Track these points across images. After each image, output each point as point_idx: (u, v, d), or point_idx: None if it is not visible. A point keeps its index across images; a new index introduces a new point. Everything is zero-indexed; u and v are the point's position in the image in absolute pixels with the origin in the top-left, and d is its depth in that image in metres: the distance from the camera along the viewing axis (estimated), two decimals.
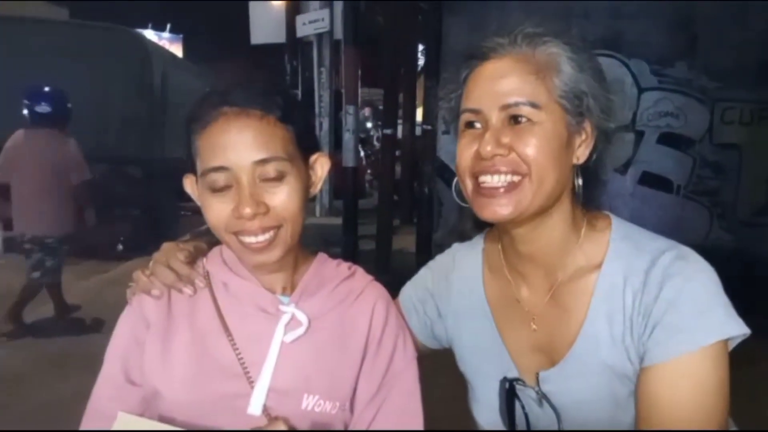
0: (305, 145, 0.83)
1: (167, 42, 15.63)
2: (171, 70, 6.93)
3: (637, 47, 5.08)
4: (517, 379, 0.85)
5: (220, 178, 0.77)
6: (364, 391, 0.84)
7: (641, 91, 5.17)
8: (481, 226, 0.95)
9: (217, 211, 0.79)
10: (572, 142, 0.80)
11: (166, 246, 0.90)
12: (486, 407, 0.89)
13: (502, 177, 0.78)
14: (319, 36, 6.94)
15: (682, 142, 5.07)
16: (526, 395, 0.85)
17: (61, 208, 3.77)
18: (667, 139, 5.08)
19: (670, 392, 0.73)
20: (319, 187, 0.86)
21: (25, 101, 3.74)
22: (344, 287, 0.88)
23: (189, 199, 0.86)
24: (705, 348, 0.72)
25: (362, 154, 8.85)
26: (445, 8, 5.13)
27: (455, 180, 0.85)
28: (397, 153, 5.89)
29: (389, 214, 5.30)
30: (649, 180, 5.06)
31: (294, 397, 0.80)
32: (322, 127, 6.86)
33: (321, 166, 0.86)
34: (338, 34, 6.67)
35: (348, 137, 5.42)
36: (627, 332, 0.77)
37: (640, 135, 5.01)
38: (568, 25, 5.05)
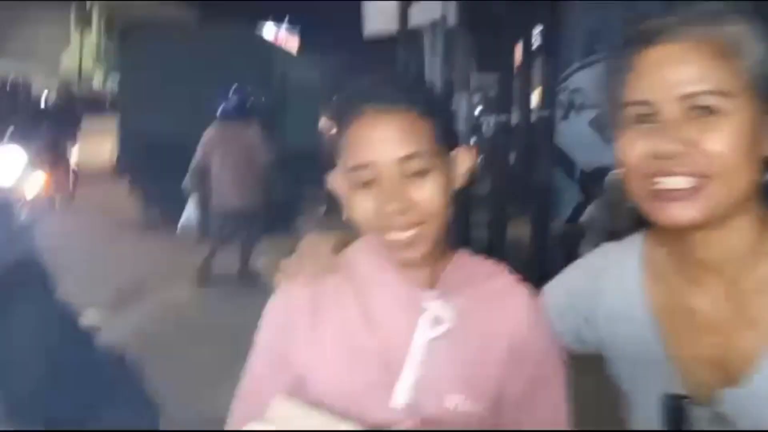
0: (447, 140, 0.82)
1: (286, 32, 16.33)
2: (288, 68, 7.41)
3: None
4: (684, 397, 0.78)
5: (364, 175, 0.78)
6: (511, 394, 0.84)
7: None
8: (639, 225, 0.87)
9: (362, 208, 0.80)
10: (764, 132, 0.71)
11: (311, 237, 0.93)
12: (645, 424, 0.83)
13: (686, 178, 0.69)
14: (432, 25, 6.96)
15: None
16: (697, 415, 0.77)
17: (255, 183, 4.69)
18: None
19: None
20: (462, 181, 0.85)
21: (220, 99, 4.75)
22: (489, 286, 0.87)
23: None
24: None
25: (472, 141, 8.76)
26: None
27: (610, 176, 0.80)
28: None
29: (503, 202, 5.20)
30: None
31: (437, 394, 0.81)
32: None
33: (464, 160, 0.85)
34: (451, 21, 6.65)
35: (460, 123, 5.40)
36: None
37: None
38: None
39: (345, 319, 0.85)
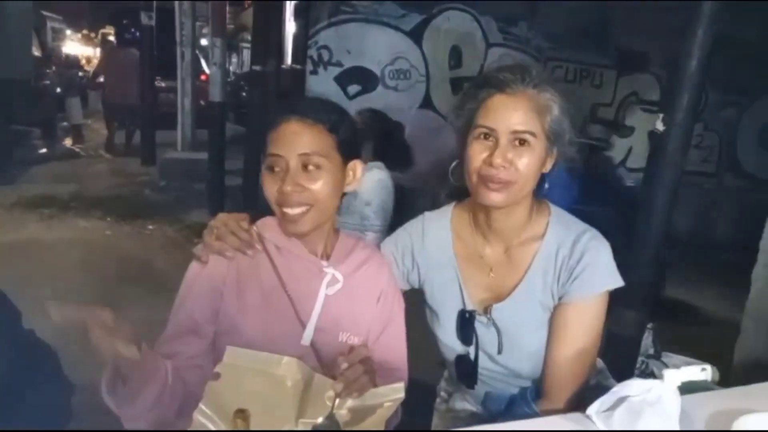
0: (346, 152, 1.11)
1: None
2: None
3: (487, 5, 5.42)
4: (472, 311, 1.21)
5: (276, 162, 1.05)
6: (375, 329, 1.17)
7: (488, 46, 5.73)
8: (453, 198, 1.29)
9: (269, 186, 1.06)
10: (545, 159, 1.14)
11: (224, 216, 1.14)
12: (448, 330, 1.24)
13: (505, 179, 1.10)
14: None
15: None
16: (479, 321, 1.21)
17: None
18: None
19: (577, 318, 1.15)
20: (353, 186, 1.14)
21: None
22: (360, 254, 1.19)
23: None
24: (601, 293, 1.15)
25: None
26: None
27: (453, 164, 1.19)
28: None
29: (258, 149, 5.41)
30: None
31: (332, 333, 1.11)
32: (184, 57, 6.65)
33: (355, 170, 1.13)
34: None
35: (215, 71, 5.40)
36: (555, 281, 1.16)
37: None
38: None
39: (262, 282, 1.09)
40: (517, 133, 1.09)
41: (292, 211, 1.06)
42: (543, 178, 1.17)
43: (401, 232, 1.32)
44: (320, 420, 0.92)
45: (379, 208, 2.64)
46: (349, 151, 1.12)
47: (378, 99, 5.19)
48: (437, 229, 1.27)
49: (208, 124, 5.70)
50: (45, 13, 11.50)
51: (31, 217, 4.91)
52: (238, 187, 5.27)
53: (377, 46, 5.41)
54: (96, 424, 1.10)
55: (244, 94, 9.08)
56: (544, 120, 1.11)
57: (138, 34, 7.59)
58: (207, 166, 5.44)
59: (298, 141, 1.04)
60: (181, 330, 1.06)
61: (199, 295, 1.08)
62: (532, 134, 1.10)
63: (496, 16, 5.76)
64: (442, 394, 1.43)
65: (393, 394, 0.96)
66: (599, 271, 1.15)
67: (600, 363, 1.33)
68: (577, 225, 1.20)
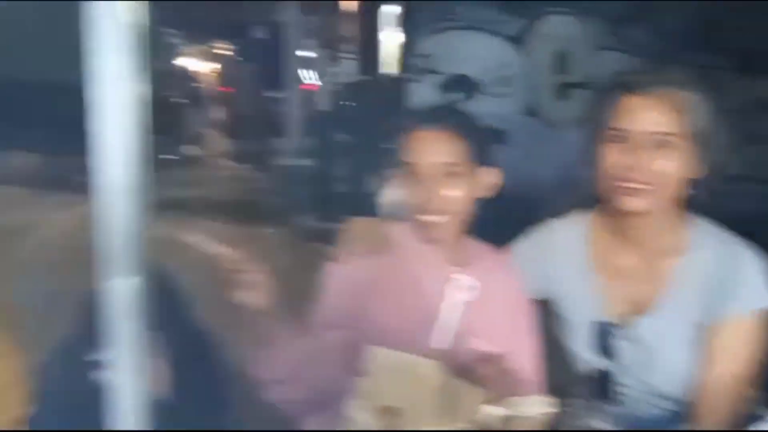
0: (479, 159, 1.15)
1: None
2: None
3: (595, 7, 5.36)
4: (610, 323, 1.18)
5: (412, 170, 1.11)
6: (506, 338, 1.18)
7: (597, 49, 5.51)
8: (580, 205, 1.28)
9: (409, 195, 1.12)
10: (692, 161, 1.10)
11: (358, 220, 1.21)
12: (582, 343, 1.22)
13: (641, 184, 1.08)
14: None
15: None
16: (618, 335, 1.17)
17: None
18: None
19: (733, 338, 1.09)
20: (485, 192, 1.17)
21: None
22: (490, 262, 1.23)
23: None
24: (758, 311, 1.10)
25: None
26: None
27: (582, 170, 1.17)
28: None
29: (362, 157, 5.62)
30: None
31: (464, 339, 1.15)
32: (293, 68, 6.95)
33: (488, 176, 1.17)
34: None
35: (321, 81, 5.67)
36: (706, 297, 1.11)
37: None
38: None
39: (394, 286, 1.15)
40: (654, 134, 1.05)
41: (430, 219, 1.11)
42: (694, 184, 1.11)
43: (527, 241, 1.31)
44: (466, 425, 0.94)
45: None
46: (481, 157, 1.14)
47: (479, 107, 5.18)
48: (569, 237, 1.24)
49: (316, 132, 5.95)
50: (168, 29, 12.57)
51: (156, 218, 5.39)
52: (343, 194, 5.45)
53: (479, 53, 5.38)
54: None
55: (346, 103, 9.37)
56: (684, 118, 1.05)
57: (253, 50, 8.08)
58: (315, 172, 5.69)
59: (435, 149, 1.09)
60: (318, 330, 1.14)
61: (334, 296, 1.15)
62: (672, 134, 1.05)
63: (606, 18, 5.54)
64: (572, 411, 1.41)
65: (540, 406, 0.98)
66: (756, 287, 1.08)
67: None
68: (728, 237, 1.14)
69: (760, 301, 1.09)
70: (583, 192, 1.21)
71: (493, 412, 0.96)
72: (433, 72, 5.47)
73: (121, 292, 0.78)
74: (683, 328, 1.14)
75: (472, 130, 1.14)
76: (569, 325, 1.23)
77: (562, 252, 1.24)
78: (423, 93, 5.36)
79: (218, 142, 9.39)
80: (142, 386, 0.83)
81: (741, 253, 1.12)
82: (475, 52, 5.27)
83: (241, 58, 9.29)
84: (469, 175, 1.12)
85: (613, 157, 1.09)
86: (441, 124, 1.11)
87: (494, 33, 5.27)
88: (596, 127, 1.13)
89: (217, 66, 10.57)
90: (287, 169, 6.74)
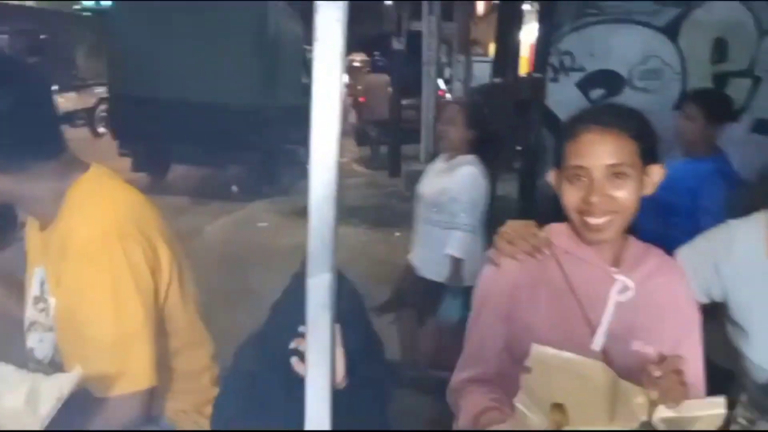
0: (646, 157, 1.11)
1: None
2: (282, 20, 7.43)
3: None
4: None
5: (580, 172, 1.08)
6: (669, 341, 1.12)
7: (763, 34, 5.00)
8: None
9: (572, 195, 1.10)
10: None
11: (514, 222, 1.21)
12: (761, 350, 1.16)
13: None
14: None
15: None
16: None
17: None
18: None
19: None
20: (650, 189, 1.13)
21: None
22: (653, 263, 1.17)
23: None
24: None
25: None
26: None
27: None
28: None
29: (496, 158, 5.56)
30: (764, 128, 4.91)
31: (624, 341, 1.10)
32: (429, 75, 7.10)
33: (656, 174, 1.13)
34: None
35: (458, 86, 5.70)
36: None
37: (756, 81, 4.74)
38: None
39: (553, 286, 1.13)
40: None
41: (597, 221, 1.08)
42: None
43: (701, 241, 1.24)
44: (636, 426, 0.91)
45: (469, 205, 2.48)
46: (649, 156, 1.10)
47: (626, 102, 4.90)
48: (748, 237, 1.17)
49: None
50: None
51: (303, 223, 5.77)
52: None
53: (625, 46, 5.10)
54: None
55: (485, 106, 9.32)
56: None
57: (387, 59, 8.34)
58: None
59: (603, 151, 1.05)
60: (493, 337, 1.15)
61: (494, 295, 1.16)
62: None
63: None
64: (741, 420, 1.29)
65: (713, 408, 0.91)
66: None
67: None
68: None
69: None
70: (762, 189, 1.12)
71: (664, 414, 0.92)
72: (574, 69, 5.29)
73: (321, 287, 0.86)
74: None
75: (640, 129, 1.10)
76: (746, 332, 1.16)
77: (738, 254, 1.17)
78: (563, 92, 5.20)
79: (355, 150, 9.79)
80: (330, 378, 0.90)
81: None
82: (619, 45, 5.01)
83: (380, 68, 9.61)
84: (636, 174, 1.08)
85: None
86: (609, 124, 1.07)
87: (643, 24, 5.01)
88: None
89: (357, 77, 11.05)
90: (419, 174, 6.84)
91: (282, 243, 5.16)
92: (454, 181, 2.59)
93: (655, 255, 1.19)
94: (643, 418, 0.92)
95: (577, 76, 5.26)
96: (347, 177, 8.38)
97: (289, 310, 1.03)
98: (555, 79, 5.29)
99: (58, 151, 1.20)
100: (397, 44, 7.16)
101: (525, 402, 0.94)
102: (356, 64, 12.77)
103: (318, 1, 0.79)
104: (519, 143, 5.16)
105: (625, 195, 1.07)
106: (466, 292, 2.58)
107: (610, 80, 5.13)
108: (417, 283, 2.77)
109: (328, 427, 0.89)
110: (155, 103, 6.62)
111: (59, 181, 1.18)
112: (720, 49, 4.99)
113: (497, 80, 5.38)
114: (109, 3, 7.64)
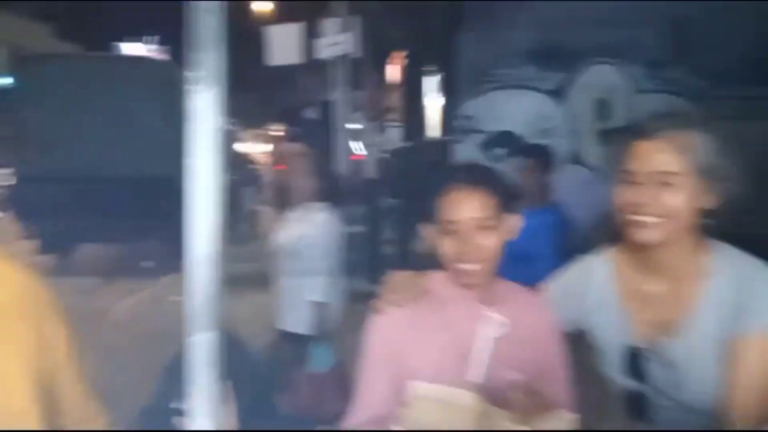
0: (505, 209, 1.24)
1: (156, 51, 14.96)
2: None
3: (634, 54, 5.29)
4: (641, 347, 1.25)
5: (451, 226, 1.20)
6: (539, 369, 1.24)
7: (637, 92, 5.52)
8: (613, 241, 1.32)
9: (448, 246, 1.21)
10: (700, 194, 1.16)
11: (398, 274, 1.32)
12: (615, 366, 1.28)
13: (651, 218, 1.15)
14: (336, 58, 7.28)
15: None
16: (649, 358, 1.24)
17: None
18: None
19: (754, 354, 1.13)
20: (512, 236, 1.25)
21: None
22: (521, 300, 1.31)
23: None
24: None
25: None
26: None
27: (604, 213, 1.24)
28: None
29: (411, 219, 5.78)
30: None
31: (499, 372, 1.20)
32: (342, 142, 7.30)
33: (514, 223, 1.26)
34: (357, 53, 7.00)
35: (370, 150, 5.93)
36: (729, 317, 1.16)
37: None
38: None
39: (435, 328, 1.23)
40: (659, 174, 1.15)
41: (470, 267, 1.20)
42: (708, 214, 1.17)
43: (565, 276, 1.38)
44: None
45: (323, 251, 2.58)
46: (507, 207, 1.24)
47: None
48: (600, 270, 1.32)
49: (365, 199, 6.18)
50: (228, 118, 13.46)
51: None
52: (391, 255, 5.56)
53: (519, 109, 5.54)
54: None
55: (393, 169, 9.70)
56: (688, 157, 1.15)
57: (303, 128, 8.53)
58: (366, 237, 5.87)
59: (471, 206, 1.19)
60: (381, 381, 1.24)
61: (382, 342, 1.26)
62: (676, 173, 1.15)
63: (645, 63, 5.61)
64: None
65: (559, 421, 1.05)
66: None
67: None
68: (747, 259, 1.19)
69: None
70: (611, 229, 1.27)
71: (516, 428, 1.04)
72: (476, 131, 5.66)
73: (203, 345, 0.89)
74: (709, 347, 1.19)
75: (498, 185, 1.24)
76: (603, 353, 1.30)
77: (593, 285, 1.32)
78: (466, 152, 5.54)
79: (273, 218, 9.80)
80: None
81: (760, 274, 1.16)
82: (514, 108, 5.45)
83: (294, 137, 9.83)
84: (499, 224, 1.22)
85: (627, 196, 1.18)
86: (473, 183, 1.21)
87: (533, 89, 5.49)
88: (616, 170, 1.21)
89: (271, 146, 11.18)
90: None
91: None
92: (310, 228, 2.64)
93: (522, 292, 1.33)
94: None
95: (478, 138, 5.67)
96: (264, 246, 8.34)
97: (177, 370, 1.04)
98: (459, 141, 5.66)
99: None
100: (311, 114, 7.43)
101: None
102: (274, 133, 12.97)
103: (192, 87, 0.85)
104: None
105: (491, 243, 1.20)
106: (331, 340, 2.67)
107: (508, 140, 5.54)
108: (282, 339, 2.76)
109: None
110: (61, 180, 6.40)
111: None
112: (602, 108, 5.54)
113: (408, 144, 5.64)
114: (9, 80, 7.38)
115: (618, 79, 5.40)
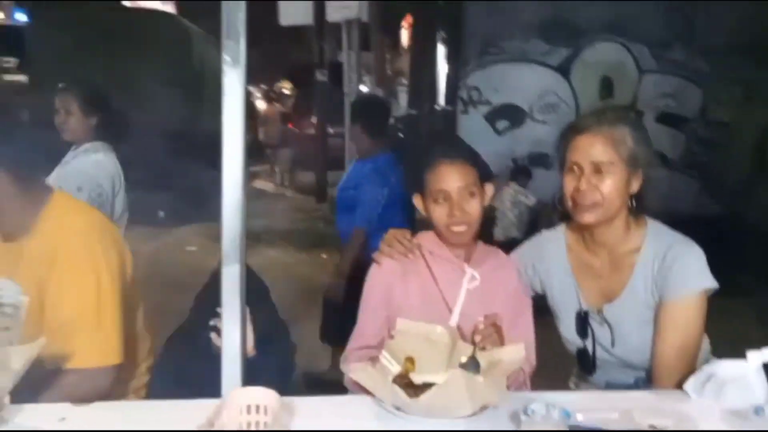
0: (484, 178, 1.44)
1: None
2: (206, 48, 7.55)
3: (638, 32, 5.34)
4: (587, 311, 1.45)
5: (441, 194, 1.39)
6: (507, 319, 1.43)
7: (642, 73, 5.49)
8: (562, 219, 1.51)
9: (438, 212, 1.40)
10: (630, 180, 1.35)
11: (393, 231, 1.52)
12: (568, 328, 1.48)
13: (591, 202, 1.33)
14: (348, 21, 7.33)
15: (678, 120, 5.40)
16: (593, 320, 1.44)
17: None
18: (665, 118, 5.44)
19: (675, 316, 1.33)
20: (488, 201, 1.45)
21: None
22: (495, 260, 1.51)
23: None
24: (696, 292, 1.33)
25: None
26: None
27: (556, 195, 1.42)
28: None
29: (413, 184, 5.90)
30: None
31: (473, 318, 1.37)
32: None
33: (490, 189, 1.47)
34: (365, 17, 7.05)
35: None
36: (654, 284, 1.35)
37: (639, 114, 5.24)
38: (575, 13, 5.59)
39: (421, 278, 1.45)
40: (597, 163, 1.33)
41: (459, 229, 1.40)
42: (637, 196, 1.37)
43: (524, 247, 1.59)
44: (464, 359, 1.25)
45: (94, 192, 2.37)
46: (485, 177, 1.45)
47: (527, 133, 5.43)
48: (553, 244, 1.52)
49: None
50: None
51: None
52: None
53: (524, 82, 5.63)
54: None
55: (401, 135, 9.81)
56: (620, 149, 1.34)
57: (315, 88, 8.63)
58: None
59: (457, 176, 1.38)
60: (375, 317, 1.47)
61: (378, 286, 1.48)
62: (610, 163, 1.33)
63: (649, 42, 5.66)
64: (571, 385, 1.63)
65: (515, 353, 1.25)
66: (690, 273, 1.33)
67: (706, 348, 1.45)
68: (671, 235, 1.39)
69: (695, 285, 1.32)
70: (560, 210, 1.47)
71: (470, 356, 1.26)
72: (481, 103, 5.77)
73: (233, 275, 1.11)
74: (641, 310, 1.39)
75: (476, 158, 1.44)
76: (557, 315, 1.51)
77: (548, 257, 1.51)
78: (473, 123, 5.66)
79: (282, 176, 9.99)
80: (241, 347, 1.16)
81: (680, 246, 1.36)
82: (519, 82, 5.54)
83: (303, 98, 9.94)
84: (479, 191, 1.41)
85: (570, 183, 1.37)
86: (457, 157, 1.40)
87: (538, 63, 5.59)
88: (561, 161, 1.40)
89: (282, 105, 11.29)
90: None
91: (212, 266, 5.23)
92: (76, 170, 2.46)
93: (496, 254, 1.55)
94: (471, 354, 1.27)
95: (484, 109, 5.79)
96: (277, 202, 8.54)
97: (208, 297, 1.27)
98: (465, 112, 5.78)
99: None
100: (320, 76, 7.52)
101: (386, 356, 1.25)
102: (285, 91, 12.99)
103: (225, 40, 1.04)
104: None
105: (475, 208, 1.41)
106: None
107: (513, 113, 5.67)
108: None
109: (239, 385, 1.14)
110: None
111: (30, 200, 1.36)
112: (606, 86, 5.65)
113: (413, 112, 5.77)
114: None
115: (621, 57, 5.51)
